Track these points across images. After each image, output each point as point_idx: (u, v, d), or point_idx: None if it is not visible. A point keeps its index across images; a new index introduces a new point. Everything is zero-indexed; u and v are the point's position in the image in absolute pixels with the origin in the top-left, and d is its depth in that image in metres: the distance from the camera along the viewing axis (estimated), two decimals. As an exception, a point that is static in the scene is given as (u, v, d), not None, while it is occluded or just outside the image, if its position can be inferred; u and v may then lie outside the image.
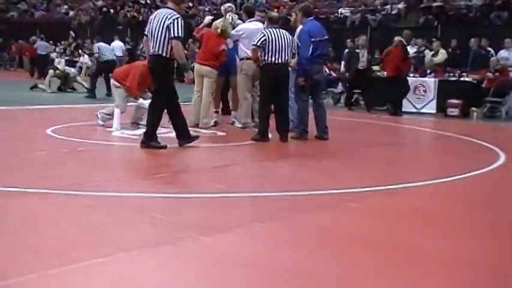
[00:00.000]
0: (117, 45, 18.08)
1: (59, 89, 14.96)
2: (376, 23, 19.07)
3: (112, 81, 8.34)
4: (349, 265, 3.05)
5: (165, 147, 6.47)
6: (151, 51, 6.40)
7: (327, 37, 7.96)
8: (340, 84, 14.97)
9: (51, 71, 14.85)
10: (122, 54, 18.27)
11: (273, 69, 7.44)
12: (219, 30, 8.27)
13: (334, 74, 15.77)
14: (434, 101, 12.53)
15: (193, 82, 7.66)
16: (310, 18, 7.99)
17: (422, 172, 5.85)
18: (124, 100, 8.08)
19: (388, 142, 8.25)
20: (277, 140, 7.63)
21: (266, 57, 7.48)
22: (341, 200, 4.51)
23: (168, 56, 6.30)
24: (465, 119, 11.71)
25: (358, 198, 4.55)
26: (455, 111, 12.05)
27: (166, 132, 7.63)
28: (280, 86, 7.54)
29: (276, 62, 7.45)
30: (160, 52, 6.30)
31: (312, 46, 7.69)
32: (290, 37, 7.60)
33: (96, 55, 14.10)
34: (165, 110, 6.62)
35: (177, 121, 6.56)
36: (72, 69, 15.74)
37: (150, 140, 6.48)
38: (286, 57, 7.51)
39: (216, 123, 8.90)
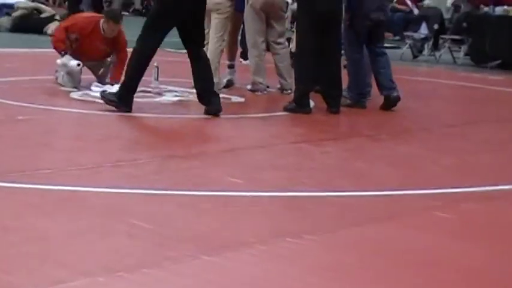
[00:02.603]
0: None
1: None
2: None
3: None
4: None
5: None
6: None
7: None
8: (424, 25, 14.86)
9: None
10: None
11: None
12: None
13: (415, 11, 15.67)
14: None
15: None
16: None
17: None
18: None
19: (494, 118, 8.20)
20: (322, 111, 7.63)
21: None
22: (422, 207, 4.51)
23: None
24: None
25: (449, 205, 4.55)
26: None
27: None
28: (330, 27, 7.52)
29: None
30: None
31: None
32: None
33: None
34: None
35: None
36: None
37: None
38: None
39: (230, 83, 8.93)
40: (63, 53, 8.15)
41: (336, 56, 7.71)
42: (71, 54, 8.12)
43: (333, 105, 7.62)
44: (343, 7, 7.77)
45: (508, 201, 4.77)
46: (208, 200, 4.45)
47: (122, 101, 6.84)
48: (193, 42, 7.01)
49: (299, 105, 7.51)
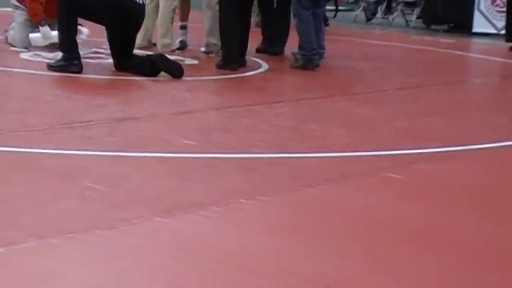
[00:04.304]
0: None
1: None
2: None
3: None
4: (376, 268, 3.11)
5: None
6: None
7: None
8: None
9: None
10: None
11: None
12: None
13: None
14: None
15: None
16: None
17: (495, 128, 5.91)
18: (24, 27, 8.07)
19: (446, 81, 8.29)
20: (276, 73, 7.64)
21: None
22: (374, 168, 4.56)
23: None
24: None
25: (401, 166, 4.60)
26: None
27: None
28: None
29: None
30: None
31: None
32: None
33: None
34: None
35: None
36: None
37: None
38: None
39: (182, 45, 8.87)
40: (42, 23, 8.00)
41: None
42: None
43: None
44: None
45: (458, 162, 4.84)
46: (162, 161, 4.43)
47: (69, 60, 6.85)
48: None
49: (226, 62, 7.63)
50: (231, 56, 7.68)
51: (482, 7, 12.67)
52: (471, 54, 11.35)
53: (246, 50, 7.97)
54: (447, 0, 12.92)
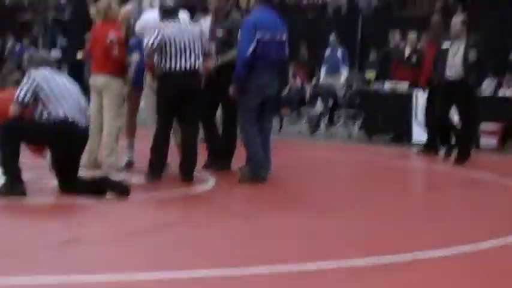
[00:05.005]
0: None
1: None
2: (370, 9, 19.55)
3: None
4: None
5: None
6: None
7: (284, 38, 8.20)
8: (319, 101, 15.23)
9: None
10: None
11: (173, 80, 7.83)
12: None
13: (307, 87, 16.00)
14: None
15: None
16: (263, 5, 8.22)
17: (439, 237, 5.92)
18: None
19: (393, 192, 8.37)
20: (226, 188, 7.63)
21: (163, 63, 7.84)
22: (328, 280, 4.51)
23: None
24: (505, 152, 12.02)
25: (354, 277, 4.57)
26: (491, 142, 12.33)
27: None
28: (185, 103, 7.87)
29: (177, 68, 7.80)
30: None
31: (257, 45, 7.91)
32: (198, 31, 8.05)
33: None
34: None
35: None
36: None
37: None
38: (193, 61, 7.89)
39: (129, 163, 8.81)
40: None
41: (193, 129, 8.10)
42: None
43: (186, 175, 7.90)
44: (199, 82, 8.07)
45: (407, 273, 4.82)
46: (110, 285, 4.32)
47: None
48: None
49: (153, 173, 7.91)
50: (157, 168, 7.89)
51: (420, 118, 12.96)
52: (411, 163, 11.55)
53: (194, 166, 7.97)
54: (386, 112, 13.31)
